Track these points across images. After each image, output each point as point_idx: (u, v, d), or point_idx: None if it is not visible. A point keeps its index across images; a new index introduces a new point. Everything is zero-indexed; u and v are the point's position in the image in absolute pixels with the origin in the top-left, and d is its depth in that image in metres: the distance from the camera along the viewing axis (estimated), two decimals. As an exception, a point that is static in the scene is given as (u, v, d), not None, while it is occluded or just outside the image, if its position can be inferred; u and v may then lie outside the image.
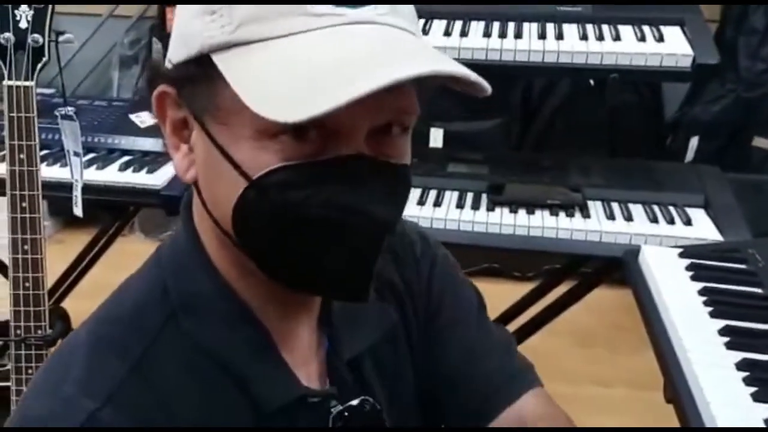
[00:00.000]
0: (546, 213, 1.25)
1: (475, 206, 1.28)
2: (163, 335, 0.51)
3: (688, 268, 1.02)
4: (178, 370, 0.50)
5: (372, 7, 0.46)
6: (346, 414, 0.54)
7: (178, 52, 0.49)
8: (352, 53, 0.43)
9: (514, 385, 0.62)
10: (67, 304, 1.62)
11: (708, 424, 0.75)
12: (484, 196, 1.30)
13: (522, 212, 1.26)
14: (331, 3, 0.44)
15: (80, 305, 1.64)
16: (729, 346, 0.85)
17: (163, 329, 0.51)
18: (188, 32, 0.48)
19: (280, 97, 0.42)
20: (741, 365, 0.81)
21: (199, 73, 0.47)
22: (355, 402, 0.55)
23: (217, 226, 0.50)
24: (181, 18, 0.49)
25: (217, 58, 0.46)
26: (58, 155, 1.39)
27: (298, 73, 0.43)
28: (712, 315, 0.91)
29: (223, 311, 0.52)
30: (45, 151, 1.40)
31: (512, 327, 1.53)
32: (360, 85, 0.40)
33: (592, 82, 1.67)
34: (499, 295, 1.78)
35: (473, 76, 0.44)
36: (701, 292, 0.96)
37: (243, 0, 0.45)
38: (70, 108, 1.26)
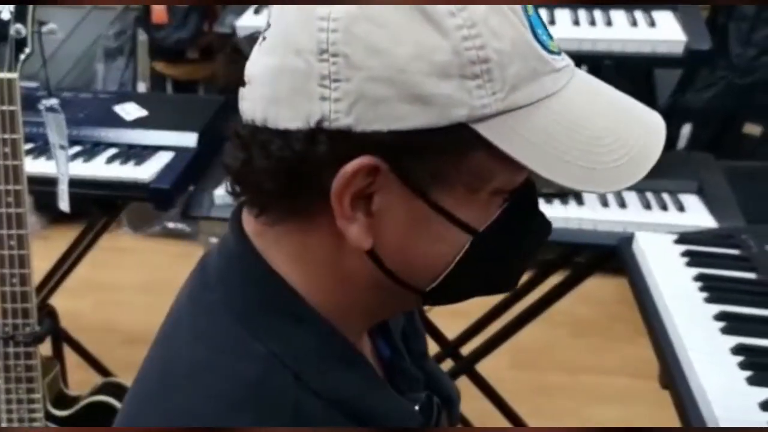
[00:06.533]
0: (540, 201, 1.24)
1: (469, 195, 1.27)
2: (301, 406, 0.45)
3: (683, 254, 1.02)
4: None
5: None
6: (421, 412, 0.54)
7: (403, 116, 0.40)
8: (618, 115, 0.47)
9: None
10: (53, 301, 1.60)
11: (704, 409, 0.75)
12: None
13: (515, 201, 1.24)
14: (554, 53, 0.45)
15: (66, 303, 1.63)
16: (724, 331, 0.85)
17: (298, 400, 0.45)
18: (430, 96, 0.40)
19: (588, 169, 0.44)
20: (736, 350, 0.82)
21: (450, 143, 0.41)
22: (423, 398, 0.55)
23: (397, 281, 0.47)
24: (392, 72, 0.40)
25: (483, 129, 0.41)
26: (42, 149, 1.37)
27: (594, 141, 0.44)
28: (707, 301, 0.92)
29: (338, 355, 0.48)
30: (29, 145, 1.38)
31: (507, 317, 1.53)
32: (652, 152, 0.46)
33: (585, 68, 1.66)
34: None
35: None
36: (696, 278, 0.96)
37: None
38: (54, 100, 1.23)
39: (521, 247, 0.50)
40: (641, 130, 0.47)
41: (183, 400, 0.45)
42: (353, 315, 0.49)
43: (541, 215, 0.51)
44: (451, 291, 0.49)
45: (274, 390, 0.45)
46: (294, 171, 0.43)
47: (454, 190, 0.43)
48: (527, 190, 0.47)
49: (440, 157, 0.42)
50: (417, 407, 0.53)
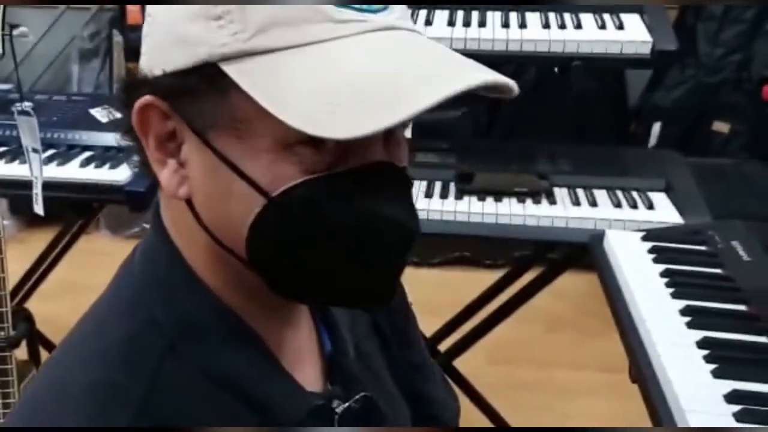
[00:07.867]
0: (513, 200, 1.27)
1: (444, 195, 1.28)
2: (163, 370, 0.46)
3: (651, 250, 1.04)
4: (186, 402, 0.46)
5: (387, 11, 0.44)
6: (350, 412, 0.52)
7: (170, 59, 0.44)
8: (396, 63, 0.42)
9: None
10: (30, 305, 1.59)
11: (671, 402, 0.77)
12: (452, 185, 1.31)
13: (490, 200, 1.27)
14: (352, 8, 0.42)
15: (44, 306, 1.62)
16: (690, 325, 0.88)
17: (162, 364, 0.46)
18: (185, 38, 0.43)
19: (328, 112, 0.39)
20: (702, 344, 0.84)
21: (203, 83, 0.43)
22: (356, 398, 0.53)
23: (219, 244, 0.47)
24: (168, 20, 0.45)
25: (229, 68, 0.42)
26: (16, 152, 1.35)
27: (345, 85, 0.40)
28: (674, 296, 0.94)
29: (224, 332, 0.48)
30: (2, 149, 1.37)
31: (482, 315, 1.55)
32: (420, 97, 0.39)
33: (556, 69, 1.69)
34: (470, 283, 1.80)
35: (511, 82, 0.43)
36: (663, 274, 0.98)
37: (247, 1, 0.42)
38: (27, 103, 1.22)
39: (346, 240, 0.44)
40: (436, 80, 0.41)
41: (69, 365, 0.48)
42: (238, 295, 0.49)
43: (386, 211, 0.45)
44: (276, 271, 0.46)
45: (141, 349, 0.47)
46: (121, 123, 0.49)
47: (229, 135, 0.43)
48: (361, 172, 0.44)
49: (201, 97, 0.44)
50: (339, 406, 0.51)
